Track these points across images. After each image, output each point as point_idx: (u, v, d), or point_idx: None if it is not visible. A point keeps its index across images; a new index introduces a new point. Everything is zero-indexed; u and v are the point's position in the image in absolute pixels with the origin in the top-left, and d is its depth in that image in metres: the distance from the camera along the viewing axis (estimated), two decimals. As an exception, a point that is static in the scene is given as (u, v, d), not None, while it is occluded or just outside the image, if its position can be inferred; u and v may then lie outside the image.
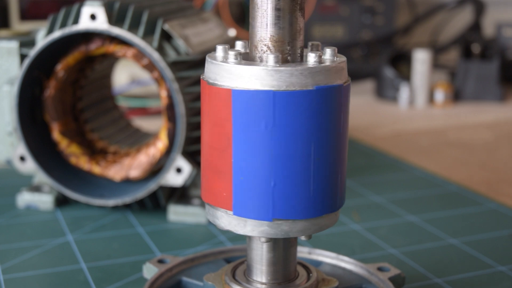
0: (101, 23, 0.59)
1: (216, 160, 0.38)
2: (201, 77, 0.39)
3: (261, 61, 0.38)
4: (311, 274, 0.43)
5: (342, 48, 1.31)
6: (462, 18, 1.42)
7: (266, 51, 0.38)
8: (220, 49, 0.39)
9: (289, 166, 0.37)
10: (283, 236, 0.38)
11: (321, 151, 0.38)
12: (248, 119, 0.37)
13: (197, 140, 0.62)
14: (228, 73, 0.37)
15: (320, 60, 0.37)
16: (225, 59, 0.38)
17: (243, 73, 0.37)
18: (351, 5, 1.36)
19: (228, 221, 0.39)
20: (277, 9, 0.37)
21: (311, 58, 0.37)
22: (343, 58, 0.39)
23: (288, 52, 0.38)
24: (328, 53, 0.38)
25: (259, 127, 0.37)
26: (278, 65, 0.36)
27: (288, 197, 0.37)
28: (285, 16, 0.37)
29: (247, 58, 0.39)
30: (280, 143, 0.37)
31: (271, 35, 0.38)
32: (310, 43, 0.40)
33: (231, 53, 0.38)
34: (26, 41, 0.64)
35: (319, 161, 0.38)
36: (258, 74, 0.36)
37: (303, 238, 0.39)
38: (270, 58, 0.36)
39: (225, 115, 0.37)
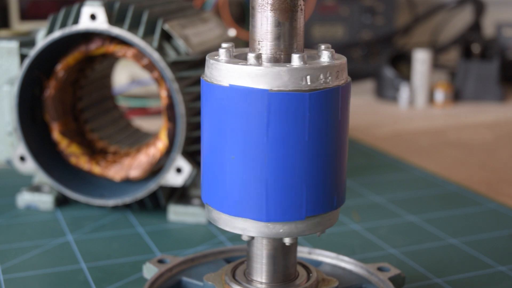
0: (101, 23, 0.59)
1: None
2: (201, 77, 0.39)
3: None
4: (311, 274, 0.43)
5: (342, 48, 1.31)
6: (462, 18, 1.42)
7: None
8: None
9: (212, 158, 0.38)
10: (221, 227, 0.39)
11: (238, 151, 0.37)
12: (202, 108, 0.39)
13: (197, 140, 0.61)
14: (210, 68, 0.38)
15: (258, 62, 0.36)
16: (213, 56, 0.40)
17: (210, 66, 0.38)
18: (351, 5, 1.36)
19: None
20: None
21: (250, 58, 0.36)
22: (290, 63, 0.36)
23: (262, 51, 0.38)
24: (295, 58, 0.36)
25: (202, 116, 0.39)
26: (224, 61, 0.37)
27: (215, 188, 0.39)
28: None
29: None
30: (205, 133, 0.39)
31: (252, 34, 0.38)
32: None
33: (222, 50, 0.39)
34: (26, 41, 0.64)
35: (234, 160, 0.37)
36: (211, 67, 0.38)
37: (245, 238, 0.39)
38: (222, 53, 0.38)
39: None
